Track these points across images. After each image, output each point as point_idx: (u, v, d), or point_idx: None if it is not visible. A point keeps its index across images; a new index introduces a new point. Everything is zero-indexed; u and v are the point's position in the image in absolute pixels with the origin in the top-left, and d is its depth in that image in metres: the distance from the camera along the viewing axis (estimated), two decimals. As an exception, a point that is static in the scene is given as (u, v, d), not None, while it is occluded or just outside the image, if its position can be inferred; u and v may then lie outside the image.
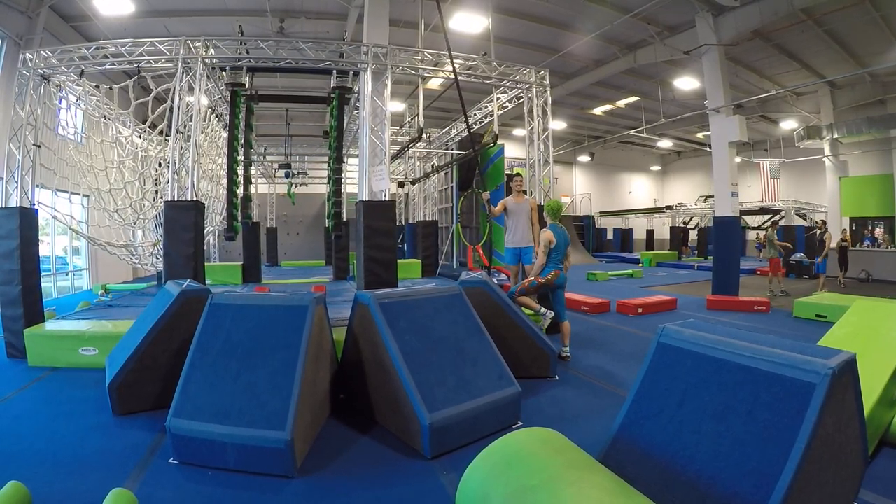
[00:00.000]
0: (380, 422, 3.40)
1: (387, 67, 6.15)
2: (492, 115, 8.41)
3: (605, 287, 11.58)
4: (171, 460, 2.82)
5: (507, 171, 10.95)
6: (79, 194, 7.50)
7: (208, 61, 6.11)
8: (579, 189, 26.10)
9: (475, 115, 9.66)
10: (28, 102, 5.56)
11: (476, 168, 10.53)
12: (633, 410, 2.23)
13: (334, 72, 7.08)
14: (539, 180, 6.99)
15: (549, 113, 7.08)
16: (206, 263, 6.74)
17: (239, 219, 7.54)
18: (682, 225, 23.16)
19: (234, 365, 3.02)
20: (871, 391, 2.68)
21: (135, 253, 8.39)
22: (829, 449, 1.74)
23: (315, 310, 3.31)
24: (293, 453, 2.66)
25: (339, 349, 3.98)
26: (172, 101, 5.78)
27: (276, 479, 2.64)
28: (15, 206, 5.30)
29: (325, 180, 9.08)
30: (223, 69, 7.01)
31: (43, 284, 5.66)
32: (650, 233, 25.64)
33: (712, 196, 13.09)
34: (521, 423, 3.36)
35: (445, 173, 12.74)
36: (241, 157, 7.61)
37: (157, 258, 8.31)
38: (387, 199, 6.05)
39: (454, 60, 6.18)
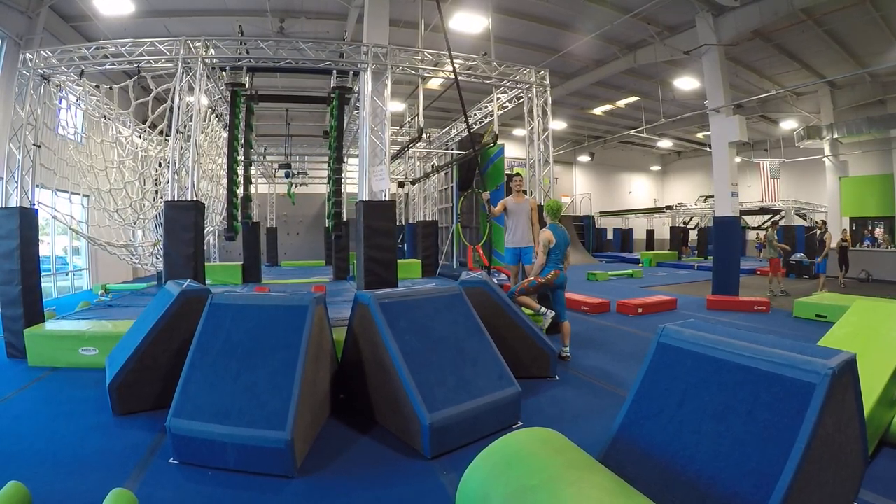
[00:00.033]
0: (380, 422, 3.40)
1: (387, 67, 6.15)
2: (492, 115, 8.41)
3: (605, 287, 11.58)
4: (171, 460, 2.82)
5: (507, 171, 10.96)
6: (79, 194, 7.50)
7: (208, 61, 6.11)
8: (579, 189, 26.09)
9: (475, 115, 9.66)
10: (28, 102, 5.56)
11: (476, 168, 10.54)
12: (633, 410, 2.23)
13: (334, 72, 7.08)
14: (539, 180, 6.99)
15: (549, 113, 7.08)
16: (206, 263, 6.74)
17: (239, 219, 7.54)
18: (682, 225, 23.16)
19: (234, 365, 3.02)
20: (871, 391, 2.68)
21: (135, 253, 8.39)
22: (829, 449, 1.74)
23: (315, 310, 3.32)
24: (293, 453, 2.66)
25: (339, 349, 3.98)
26: (172, 101, 5.78)
27: (276, 479, 2.64)
28: (15, 206, 5.30)
29: (325, 180, 9.08)
30: (223, 69, 7.01)
31: (43, 284, 5.66)
32: (650, 233, 25.63)
33: (712, 196, 13.09)
34: (521, 423, 3.36)
35: (445, 173, 12.74)
36: (241, 157, 7.61)
37: (157, 258, 8.31)
38: (387, 199, 6.05)
39: (454, 60, 6.18)
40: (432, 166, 13.09)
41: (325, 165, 10.28)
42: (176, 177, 5.61)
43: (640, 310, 7.81)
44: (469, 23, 9.81)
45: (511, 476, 1.87)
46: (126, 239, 8.49)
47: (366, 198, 5.91)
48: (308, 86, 12.75)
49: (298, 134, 13.46)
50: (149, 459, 2.87)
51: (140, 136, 8.47)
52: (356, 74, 6.97)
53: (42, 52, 5.79)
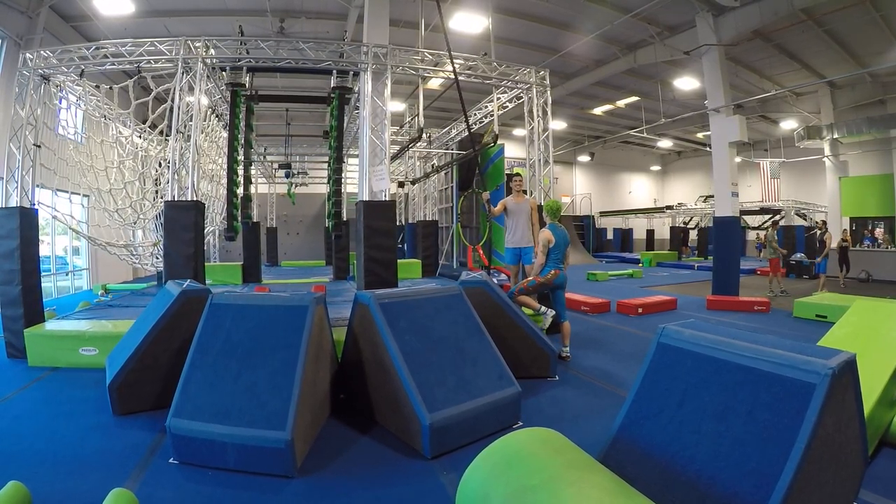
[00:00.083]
0: (380, 422, 3.40)
1: (387, 67, 6.15)
2: (492, 115, 8.42)
3: (605, 287, 11.58)
4: (171, 460, 2.82)
5: (507, 171, 10.96)
6: (79, 194, 7.49)
7: (208, 61, 6.11)
8: (579, 189, 26.09)
9: (475, 115, 9.66)
10: (28, 102, 5.56)
11: (476, 168, 10.54)
12: (633, 410, 2.23)
13: (334, 72, 7.08)
14: (539, 180, 6.99)
15: (549, 113, 7.08)
16: (206, 263, 6.74)
17: (239, 219, 7.55)
18: (682, 225, 23.17)
19: (234, 365, 3.02)
20: (871, 391, 2.68)
21: (135, 253, 8.39)
22: (829, 449, 1.74)
23: (315, 310, 3.31)
24: (293, 453, 2.66)
25: (339, 349, 3.98)
26: (172, 101, 5.78)
27: (276, 479, 2.64)
28: (15, 206, 5.30)
29: (325, 180, 9.08)
30: (223, 69, 7.01)
31: (43, 284, 5.66)
32: (650, 233, 25.64)
33: (712, 196, 13.09)
34: (521, 423, 3.36)
35: (445, 173, 12.74)
36: (241, 157, 7.61)
37: (157, 258, 8.31)
38: (387, 199, 6.05)
39: (454, 60, 6.18)
40: (432, 166, 13.09)
41: (325, 165, 10.28)
42: (176, 177, 5.62)
43: (640, 310, 7.81)
44: (469, 23, 9.82)
45: (511, 476, 1.87)
46: (126, 239, 8.49)
47: (366, 198, 5.91)
48: (308, 86, 12.75)
49: (298, 134, 13.46)
50: (149, 459, 2.87)
51: (140, 136, 8.48)
52: (356, 74, 6.97)
53: (42, 52, 5.79)
